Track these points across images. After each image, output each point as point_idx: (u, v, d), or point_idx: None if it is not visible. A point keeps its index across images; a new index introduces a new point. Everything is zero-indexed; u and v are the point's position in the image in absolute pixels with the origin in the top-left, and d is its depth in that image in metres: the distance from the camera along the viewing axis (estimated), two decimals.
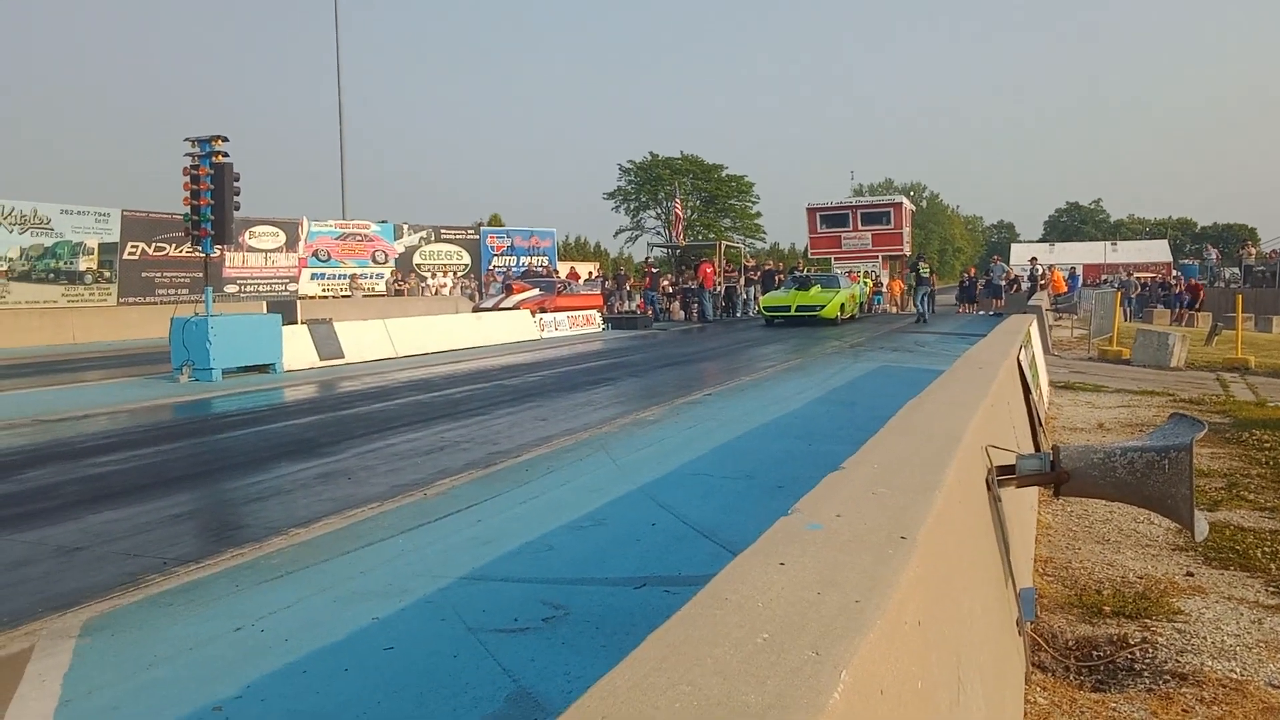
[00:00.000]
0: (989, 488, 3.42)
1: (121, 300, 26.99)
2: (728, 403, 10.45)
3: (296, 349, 15.05)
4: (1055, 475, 3.36)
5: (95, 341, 22.39)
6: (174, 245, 27.77)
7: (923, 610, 1.79)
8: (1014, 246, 70.95)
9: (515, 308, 24.67)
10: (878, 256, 36.53)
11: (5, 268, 24.43)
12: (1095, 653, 3.85)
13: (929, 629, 1.83)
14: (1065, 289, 30.32)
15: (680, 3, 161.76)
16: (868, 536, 1.93)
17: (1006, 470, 3.50)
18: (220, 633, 3.80)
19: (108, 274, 27.00)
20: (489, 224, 47.88)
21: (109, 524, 5.50)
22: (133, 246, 27.57)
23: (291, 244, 32.57)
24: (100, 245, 26.79)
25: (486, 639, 3.73)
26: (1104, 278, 49.05)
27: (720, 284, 31.09)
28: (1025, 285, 30.93)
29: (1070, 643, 3.95)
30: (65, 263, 25.94)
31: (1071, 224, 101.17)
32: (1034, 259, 35.33)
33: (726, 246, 36.10)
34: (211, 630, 3.83)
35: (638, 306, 31.47)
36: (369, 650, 3.62)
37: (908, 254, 37.34)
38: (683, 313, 30.93)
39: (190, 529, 5.39)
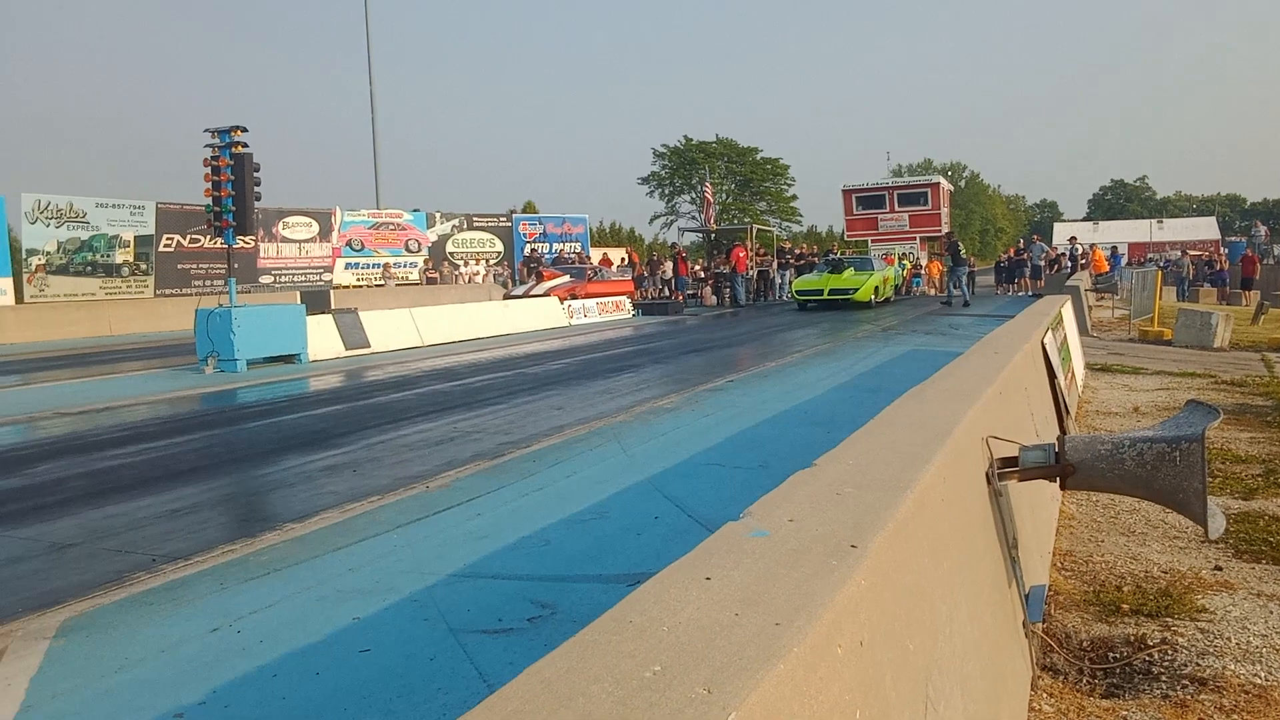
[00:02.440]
0: (989, 481, 3.22)
1: (158, 292, 27.28)
2: (749, 389, 10.25)
3: (322, 339, 15.06)
4: (1060, 468, 3.14)
5: (131, 333, 22.65)
6: (208, 237, 27.91)
7: (868, 629, 1.60)
8: (1057, 226, 69.66)
9: (545, 295, 24.58)
10: (915, 238, 35.95)
11: (43, 261, 24.79)
12: (1111, 654, 3.63)
13: (878, 649, 1.64)
14: (1107, 268, 29.54)
15: None
16: (814, 545, 1.75)
17: (1010, 463, 3.29)
18: (196, 633, 3.70)
19: (144, 266, 27.29)
20: (522, 211, 47.83)
21: (107, 519, 5.44)
22: (168, 239, 27.84)
23: (325, 234, 32.71)
24: (136, 238, 27.08)
25: (467, 640, 3.59)
26: (1149, 256, 47.96)
27: (753, 268, 30.77)
28: (1067, 265, 30.25)
29: (1085, 644, 3.73)
30: (102, 256, 26.25)
31: (1116, 202, 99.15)
32: (1073, 238, 34.46)
33: (759, 230, 35.74)
34: (188, 631, 3.73)
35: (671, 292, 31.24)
36: (344, 653, 3.50)
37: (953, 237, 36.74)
38: (715, 298, 30.65)
39: (186, 524, 5.31)
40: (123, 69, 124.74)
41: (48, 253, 24.91)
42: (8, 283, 23.48)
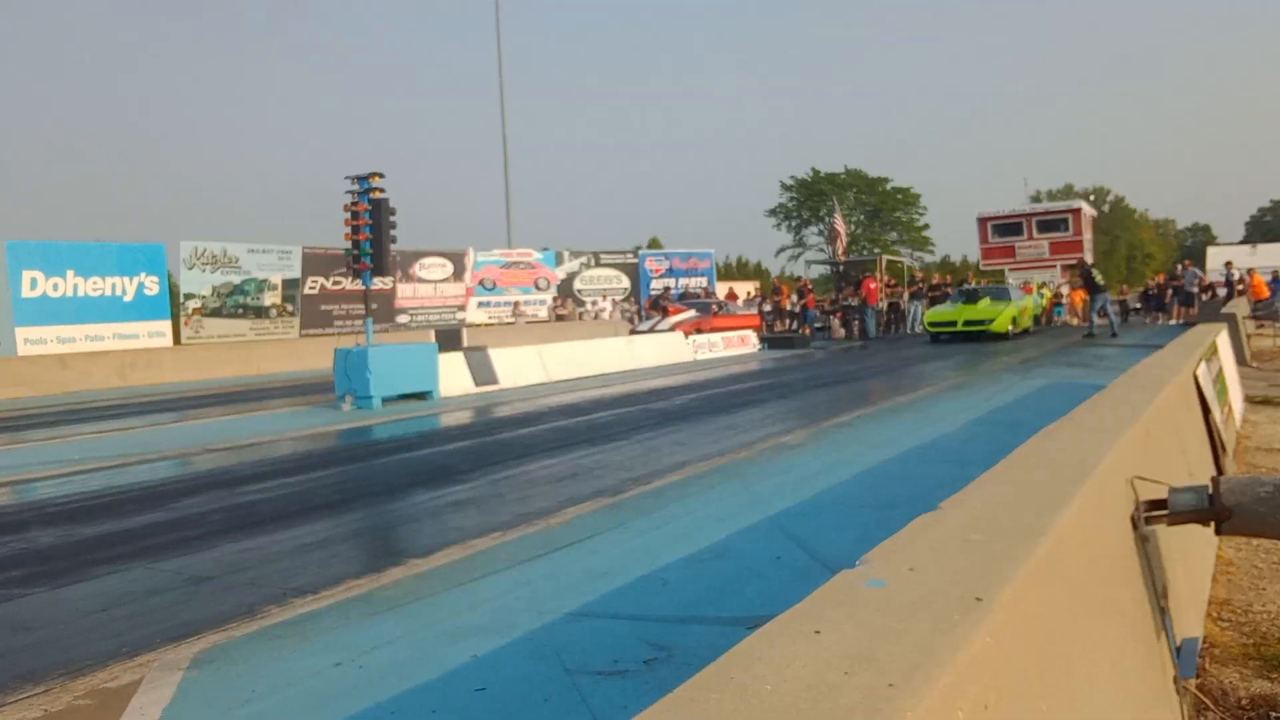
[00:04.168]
0: (1135, 526, 2.99)
1: (303, 332, 28.56)
2: (878, 425, 9.97)
3: (453, 376, 15.43)
4: (1214, 512, 2.90)
5: (278, 372, 23.79)
6: (349, 279, 29.16)
7: (994, 691, 1.47)
8: (1210, 250, 65.64)
9: (670, 330, 24.64)
10: (1055, 265, 34.64)
11: (199, 305, 26.31)
12: (1273, 714, 3.32)
13: (1005, 713, 1.50)
14: (1267, 294, 27.67)
15: (840, 17, 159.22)
16: (934, 597, 1.62)
17: (1158, 505, 3.05)
18: (320, 668, 3.77)
19: (290, 308, 28.65)
20: (648, 247, 48.31)
21: (242, 553, 5.65)
22: (312, 281, 29.16)
23: (459, 274, 33.69)
24: (284, 281, 28.46)
25: (582, 681, 3.54)
26: None
27: (884, 299, 30.16)
28: (1222, 291, 28.53)
29: (1244, 701, 3.42)
30: (252, 299, 27.69)
31: (1277, 224, 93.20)
32: (1229, 263, 32.45)
33: (889, 260, 35.06)
34: (313, 665, 3.80)
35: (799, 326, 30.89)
36: (461, 691, 3.50)
37: (1090, 263, 35.26)
38: (843, 330, 30.15)
39: (317, 559, 5.46)
40: (271, 118, 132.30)
41: (203, 296, 26.43)
42: (166, 325, 24.99)
